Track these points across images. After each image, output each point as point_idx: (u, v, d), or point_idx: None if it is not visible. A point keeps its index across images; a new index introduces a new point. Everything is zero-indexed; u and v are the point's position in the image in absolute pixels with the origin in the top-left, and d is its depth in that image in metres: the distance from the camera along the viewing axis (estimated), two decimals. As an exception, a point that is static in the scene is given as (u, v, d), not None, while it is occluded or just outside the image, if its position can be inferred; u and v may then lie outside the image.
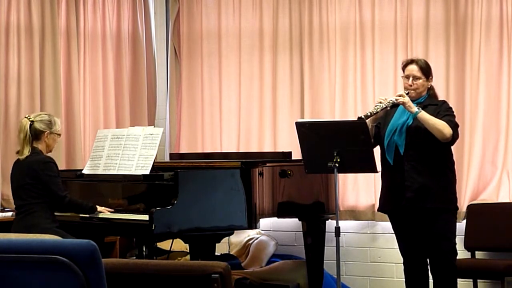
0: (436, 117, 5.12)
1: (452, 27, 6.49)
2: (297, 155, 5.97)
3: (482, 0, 6.39)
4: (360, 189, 6.76)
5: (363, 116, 5.13)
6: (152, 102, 7.55)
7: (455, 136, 5.14)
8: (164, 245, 6.54)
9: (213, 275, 3.06)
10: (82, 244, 2.62)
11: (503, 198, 6.32)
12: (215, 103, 7.33)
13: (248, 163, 5.54)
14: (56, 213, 5.57)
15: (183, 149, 7.35)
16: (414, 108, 5.09)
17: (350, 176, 6.71)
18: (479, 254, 6.27)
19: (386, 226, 6.62)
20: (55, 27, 6.79)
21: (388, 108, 5.19)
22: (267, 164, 5.65)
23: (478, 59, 6.39)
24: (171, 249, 6.33)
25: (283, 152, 6.26)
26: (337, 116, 6.78)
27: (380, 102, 5.17)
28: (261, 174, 5.55)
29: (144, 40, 7.44)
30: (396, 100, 5.13)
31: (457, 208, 5.32)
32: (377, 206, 6.58)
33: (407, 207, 5.18)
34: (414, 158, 5.14)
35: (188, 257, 6.33)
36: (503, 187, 6.34)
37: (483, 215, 6.27)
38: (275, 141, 7.05)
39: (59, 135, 5.69)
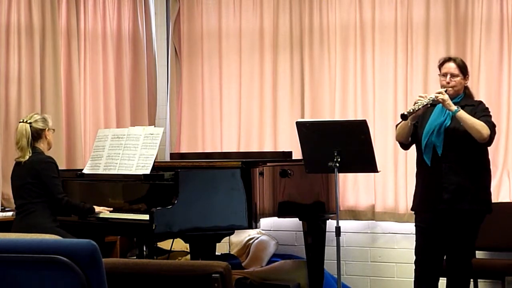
0: (473, 117, 5.08)
1: (452, 27, 6.49)
2: (297, 155, 5.97)
3: (483, 0, 6.39)
4: (360, 189, 6.75)
5: (406, 113, 5.02)
6: (153, 102, 7.55)
7: (492, 136, 5.11)
8: (165, 244, 6.54)
9: (213, 275, 3.06)
10: (82, 243, 2.62)
11: (503, 198, 6.32)
12: (216, 102, 7.33)
13: (248, 163, 5.54)
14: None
15: (184, 149, 7.35)
16: (453, 106, 5.04)
17: (350, 176, 6.71)
18: (479, 254, 6.25)
19: (386, 226, 6.64)
20: (56, 27, 6.79)
21: (429, 105, 5.13)
22: (268, 164, 5.65)
23: (478, 59, 6.39)
24: (172, 249, 6.34)
25: (283, 152, 6.26)
26: (337, 116, 6.78)
27: (421, 98, 5.08)
28: (261, 173, 5.55)
29: (144, 40, 7.44)
30: (436, 97, 5.07)
31: (490, 210, 5.21)
32: (377, 206, 6.62)
33: (444, 210, 5.11)
34: (452, 159, 5.09)
35: (188, 256, 6.33)
36: (503, 187, 6.34)
37: (484, 215, 6.26)
38: (275, 141, 7.04)
39: (54, 130, 5.75)
